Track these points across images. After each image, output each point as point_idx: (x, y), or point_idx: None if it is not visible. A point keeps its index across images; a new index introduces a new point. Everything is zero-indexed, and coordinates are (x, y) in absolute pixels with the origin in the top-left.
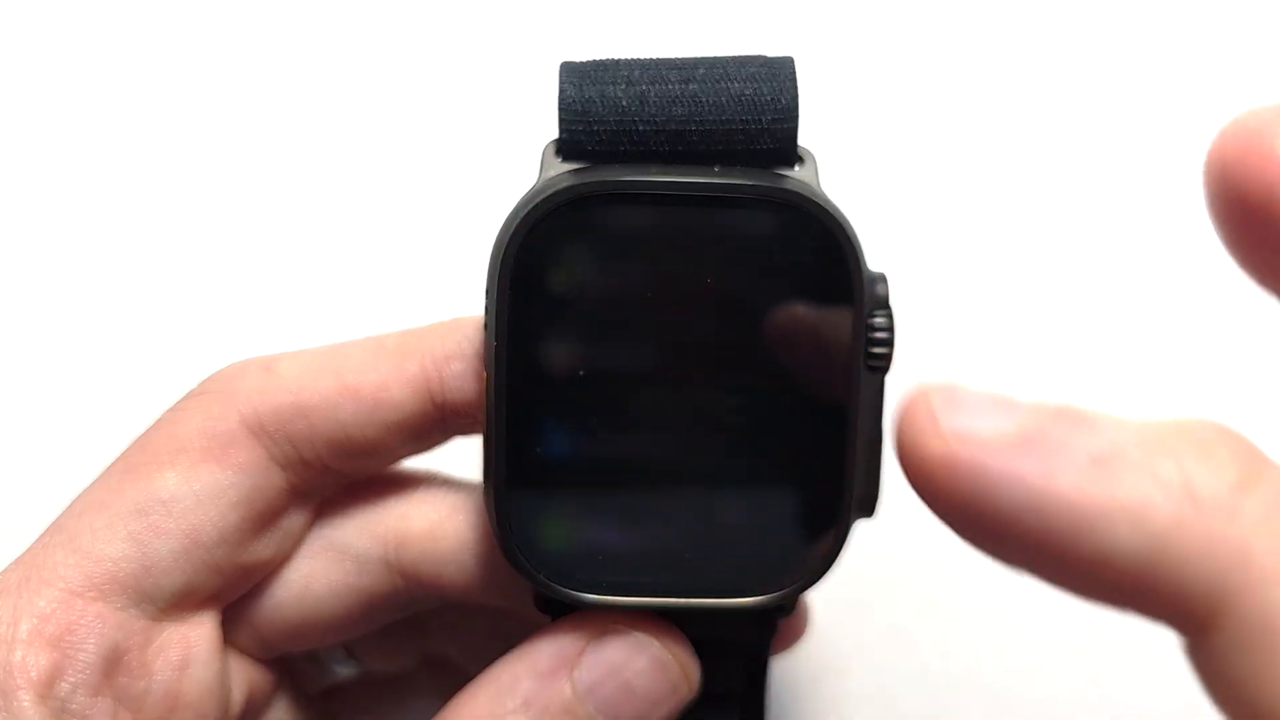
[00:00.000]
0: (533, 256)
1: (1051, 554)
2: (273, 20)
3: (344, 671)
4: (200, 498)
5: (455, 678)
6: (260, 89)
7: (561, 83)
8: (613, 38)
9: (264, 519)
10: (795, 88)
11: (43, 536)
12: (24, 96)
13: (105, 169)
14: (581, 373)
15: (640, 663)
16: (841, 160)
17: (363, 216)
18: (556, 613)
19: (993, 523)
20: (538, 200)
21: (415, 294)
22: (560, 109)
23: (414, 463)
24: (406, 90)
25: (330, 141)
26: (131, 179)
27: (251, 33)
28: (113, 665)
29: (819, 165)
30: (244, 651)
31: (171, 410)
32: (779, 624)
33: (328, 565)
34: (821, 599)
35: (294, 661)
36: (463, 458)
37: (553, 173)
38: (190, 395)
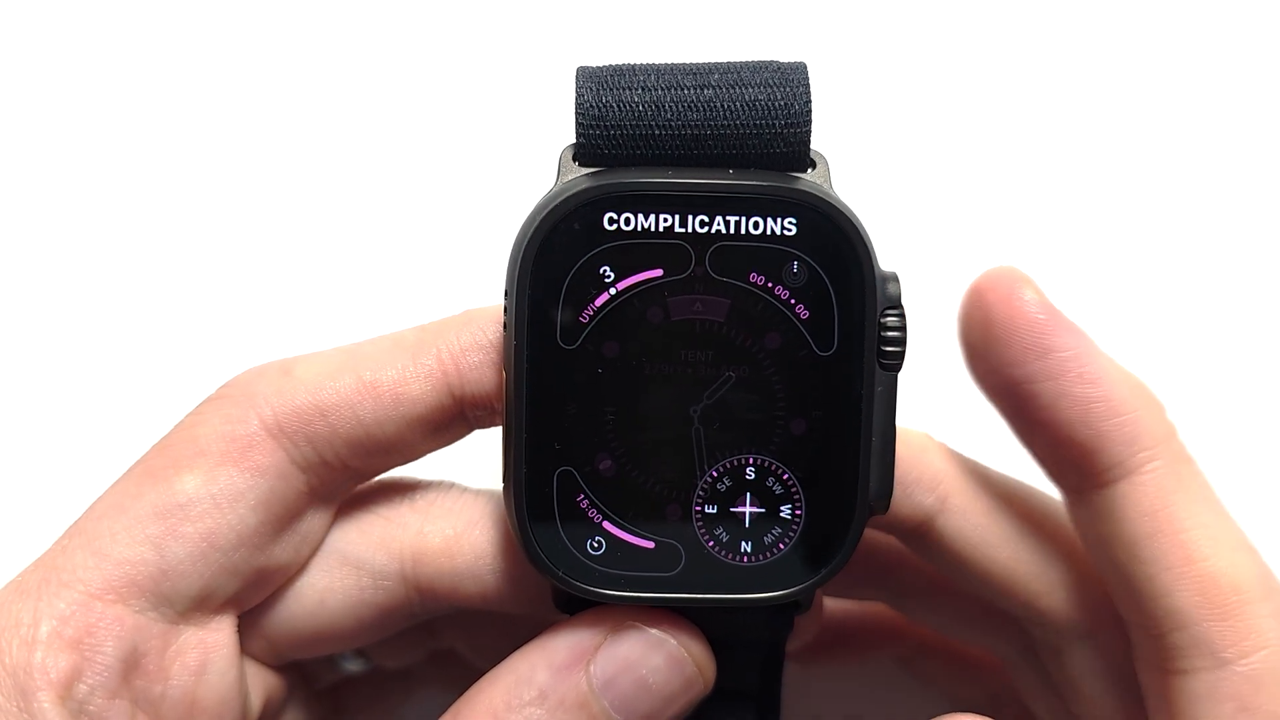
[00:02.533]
0: (552, 257)
1: (1062, 384)
2: (295, 29)
3: (353, 668)
4: (219, 501)
5: (462, 671)
6: (282, 98)
7: (579, 88)
8: (629, 41)
9: (283, 521)
10: (808, 93)
11: (62, 539)
12: (49, 108)
13: (126, 179)
14: (600, 370)
15: (656, 659)
16: (854, 164)
17: (376, 221)
18: (575, 610)
19: (1049, 354)
20: (557, 202)
21: (429, 295)
22: (577, 114)
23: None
24: (423, 94)
25: (345, 147)
26: (150, 188)
27: (271, 42)
28: (131, 668)
29: (831, 168)
30: (259, 659)
31: (191, 414)
32: (795, 621)
33: (344, 579)
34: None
35: (305, 662)
36: (475, 453)
37: (570, 176)
38: (209, 399)
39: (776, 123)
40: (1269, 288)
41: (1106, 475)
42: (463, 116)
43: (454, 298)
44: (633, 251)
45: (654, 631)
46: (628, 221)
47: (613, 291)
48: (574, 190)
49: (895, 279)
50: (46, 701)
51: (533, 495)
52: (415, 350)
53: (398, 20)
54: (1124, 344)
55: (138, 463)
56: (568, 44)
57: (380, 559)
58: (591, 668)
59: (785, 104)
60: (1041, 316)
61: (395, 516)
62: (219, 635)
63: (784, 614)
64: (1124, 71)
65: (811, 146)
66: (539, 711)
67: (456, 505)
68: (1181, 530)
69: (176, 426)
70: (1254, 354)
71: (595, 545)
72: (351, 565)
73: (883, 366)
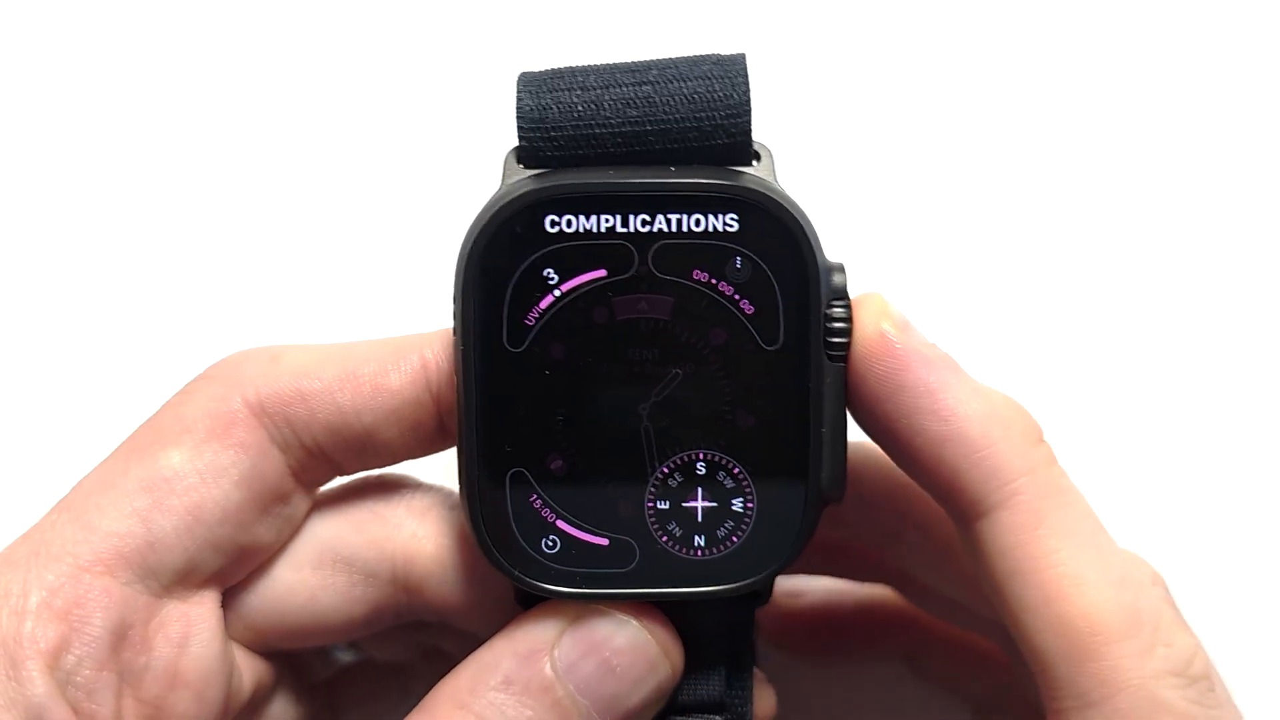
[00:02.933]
0: (496, 261)
1: (916, 420)
2: (283, 29)
3: (345, 658)
4: (204, 475)
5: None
6: (258, 105)
7: (519, 93)
8: (579, 46)
9: (265, 500)
10: (747, 84)
11: (50, 513)
12: (44, 104)
13: (124, 174)
14: (548, 371)
15: (619, 641)
16: (801, 154)
17: (349, 230)
18: (531, 607)
19: (901, 391)
20: (498, 207)
21: (402, 300)
22: (518, 118)
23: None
24: (387, 105)
25: (322, 158)
26: (152, 185)
27: (264, 47)
28: (118, 640)
29: (775, 160)
30: (248, 646)
31: (178, 393)
32: (756, 613)
33: (335, 576)
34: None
35: (298, 653)
36: None
37: (514, 179)
38: (197, 379)
39: (716, 114)
40: (1236, 287)
41: (970, 513)
42: (425, 121)
43: (421, 303)
44: (575, 253)
45: (616, 615)
46: (569, 223)
47: (557, 294)
48: (514, 194)
49: (841, 269)
50: (35, 671)
51: (486, 496)
52: (400, 349)
53: (380, 33)
54: (1079, 329)
55: (125, 441)
56: (523, 49)
57: (372, 558)
58: (555, 652)
59: (724, 95)
60: (898, 348)
61: (391, 517)
62: (201, 609)
63: (744, 606)
64: (1075, 62)
65: (756, 139)
66: (503, 697)
67: (452, 514)
68: (1041, 569)
69: (163, 406)
70: (1235, 353)
71: (550, 544)
72: (344, 562)
73: (830, 358)
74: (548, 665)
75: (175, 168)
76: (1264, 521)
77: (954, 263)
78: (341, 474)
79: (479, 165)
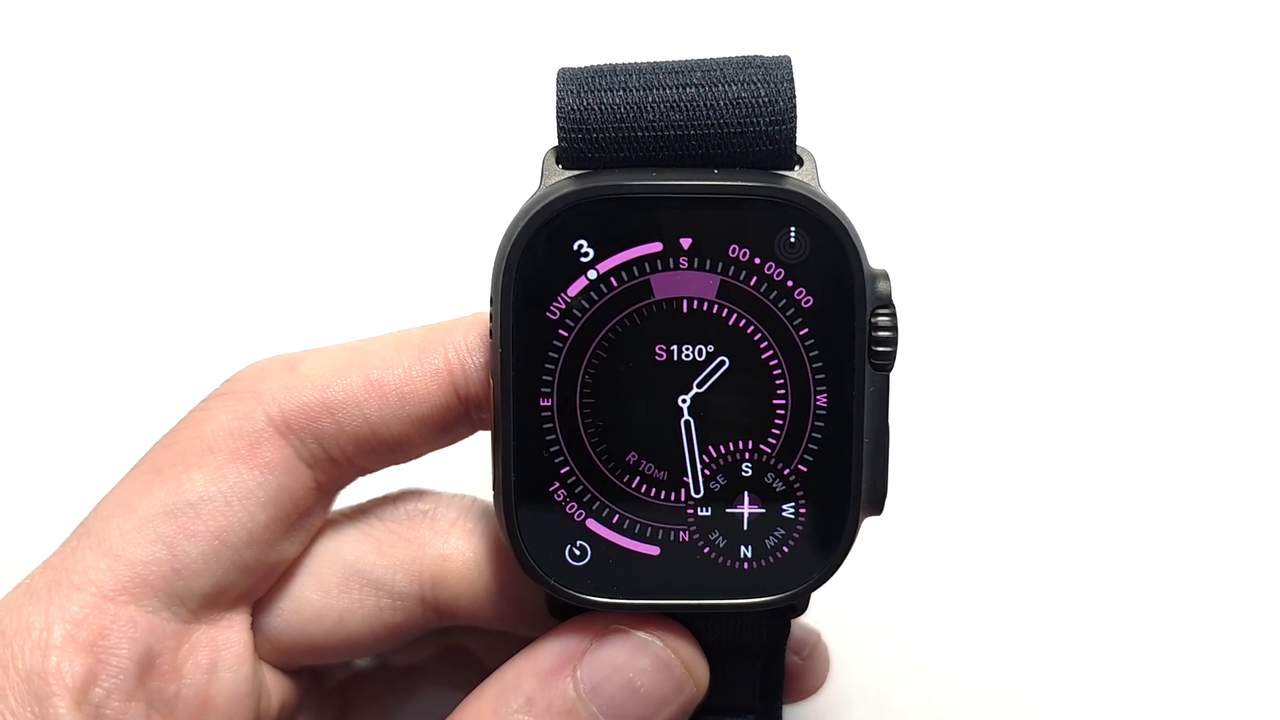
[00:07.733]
0: (537, 263)
1: None
2: (299, 34)
3: (362, 664)
4: (229, 499)
5: (470, 666)
6: (282, 97)
7: (560, 91)
8: (613, 38)
9: (291, 517)
10: (792, 89)
11: (70, 540)
12: (51, 107)
13: (128, 178)
14: (589, 376)
15: (643, 662)
16: (844, 160)
17: (376, 220)
18: (566, 616)
19: None
20: (539, 208)
21: (430, 295)
22: (559, 118)
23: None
24: (415, 97)
25: (343, 151)
26: (151, 186)
27: (278, 45)
28: (146, 669)
29: (819, 165)
30: (274, 664)
31: (197, 410)
32: (790, 625)
33: (363, 600)
34: (819, 598)
35: (321, 665)
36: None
37: (553, 180)
38: (215, 395)
39: (760, 120)
40: (1245, 285)
41: None
42: (453, 115)
43: (451, 296)
44: (618, 255)
45: (640, 634)
46: (612, 225)
47: (599, 296)
48: (556, 195)
49: (885, 276)
50: (63, 706)
51: (522, 503)
52: (422, 349)
53: (399, 34)
54: (1113, 338)
55: (143, 460)
56: (554, 42)
57: (400, 582)
58: (578, 673)
59: (769, 101)
60: None
61: (416, 538)
62: (230, 633)
63: (779, 618)
64: (1107, 68)
65: (799, 143)
66: (526, 719)
67: (478, 528)
68: None
69: (181, 423)
70: (1242, 352)
71: (586, 551)
72: (371, 586)
73: (874, 366)
74: (570, 686)
75: (176, 167)
76: (1263, 521)
77: (1000, 268)
78: (364, 474)
79: (485, 159)
